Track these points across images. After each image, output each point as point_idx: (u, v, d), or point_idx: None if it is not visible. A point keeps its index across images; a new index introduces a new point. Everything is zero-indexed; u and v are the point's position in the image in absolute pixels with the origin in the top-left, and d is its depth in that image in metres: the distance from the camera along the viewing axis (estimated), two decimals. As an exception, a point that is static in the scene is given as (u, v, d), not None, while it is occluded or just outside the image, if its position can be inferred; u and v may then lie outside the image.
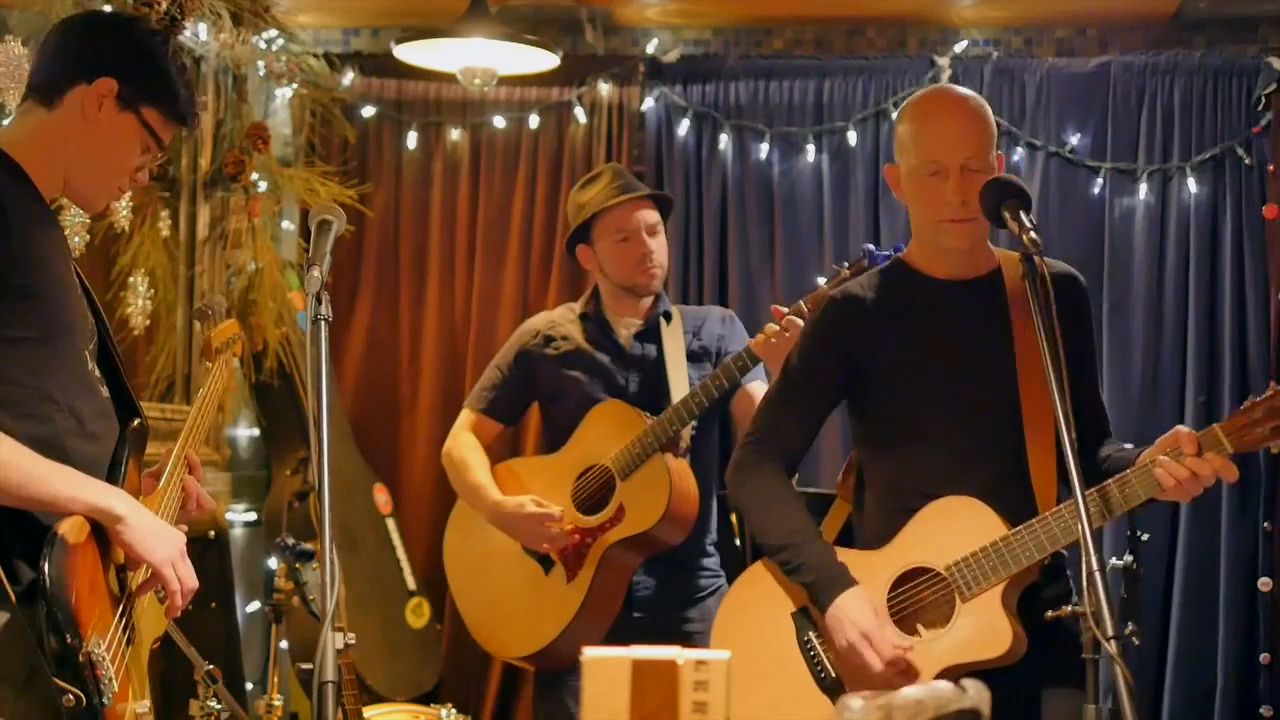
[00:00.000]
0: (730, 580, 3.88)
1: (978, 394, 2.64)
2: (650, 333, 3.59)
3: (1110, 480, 2.48)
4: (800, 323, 3.18)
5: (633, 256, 3.52)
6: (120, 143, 2.38)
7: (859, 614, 2.58)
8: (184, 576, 2.30)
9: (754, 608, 2.77)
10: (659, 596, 3.52)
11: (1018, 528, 2.52)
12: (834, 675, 2.65)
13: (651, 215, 3.56)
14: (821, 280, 3.40)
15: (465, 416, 3.69)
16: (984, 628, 2.54)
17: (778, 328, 3.24)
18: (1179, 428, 2.49)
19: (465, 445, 3.63)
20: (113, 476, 2.33)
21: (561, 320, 3.65)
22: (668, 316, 3.62)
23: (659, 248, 3.55)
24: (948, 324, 2.68)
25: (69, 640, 2.08)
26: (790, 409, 2.84)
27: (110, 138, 2.36)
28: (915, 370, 2.69)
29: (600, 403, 3.52)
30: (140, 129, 2.38)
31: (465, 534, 3.69)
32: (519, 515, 3.46)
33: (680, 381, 3.53)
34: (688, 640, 3.46)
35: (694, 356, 3.59)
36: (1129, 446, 2.68)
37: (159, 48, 2.43)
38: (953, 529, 2.58)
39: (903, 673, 2.55)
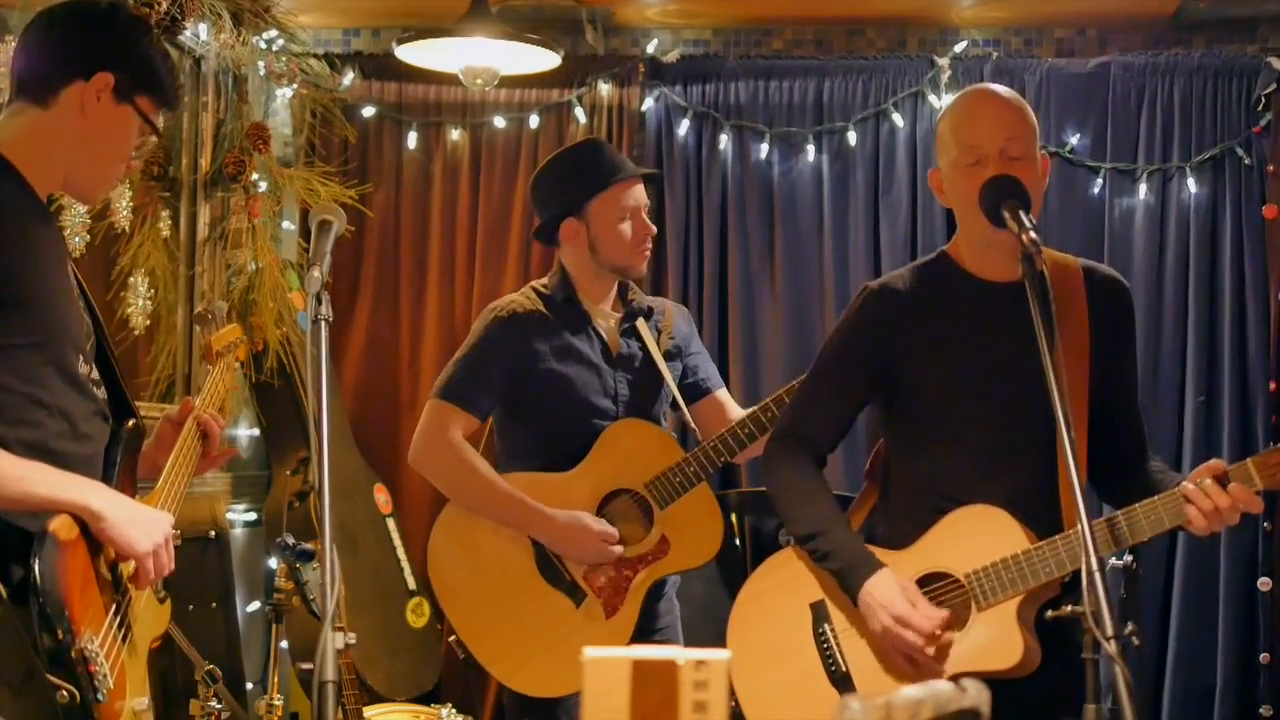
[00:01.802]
0: (724, 579, 3.85)
1: (1012, 399, 2.61)
2: (629, 329, 3.41)
3: (1138, 505, 2.46)
4: None
5: (635, 236, 3.34)
6: (120, 135, 2.38)
7: (888, 597, 2.57)
8: (160, 567, 2.30)
9: (773, 594, 2.78)
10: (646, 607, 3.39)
11: (1040, 543, 2.51)
12: (845, 669, 2.65)
13: (645, 195, 3.41)
14: None
15: (441, 412, 3.31)
16: (996, 639, 2.53)
17: None
18: (1213, 461, 2.47)
19: (461, 446, 3.30)
20: (106, 476, 2.34)
21: (537, 306, 3.35)
22: (647, 314, 3.43)
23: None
24: (987, 326, 2.64)
25: (61, 637, 2.08)
26: (821, 401, 2.82)
27: (110, 131, 2.37)
28: (950, 371, 2.67)
29: (600, 408, 3.33)
30: (136, 118, 2.39)
31: (459, 553, 3.37)
32: (580, 532, 3.23)
33: (671, 381, 3.39)
34: (660, 635, 3.36)
35: (668, 356, 3.43)
36: (1173, 474, 2.65)
37: (144, 35, 2.43)
38: (977, 537, 2.57)
39: (941, 651, 2.53)
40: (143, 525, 2.27)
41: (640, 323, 3.43)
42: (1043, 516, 2.55)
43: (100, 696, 2.11)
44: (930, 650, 2.54)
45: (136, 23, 2.46)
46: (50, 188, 2.37)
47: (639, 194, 3.38)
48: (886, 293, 2.74)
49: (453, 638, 3.43)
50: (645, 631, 3.33)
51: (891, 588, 2.58)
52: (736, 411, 3.48)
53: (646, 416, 3.39)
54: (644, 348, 3.41)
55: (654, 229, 3.41)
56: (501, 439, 3.47)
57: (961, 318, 2.68)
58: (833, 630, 2.68)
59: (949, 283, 2.71)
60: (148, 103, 2.40)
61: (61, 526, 2.15)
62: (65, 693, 2.07)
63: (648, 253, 3.39)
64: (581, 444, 3.32)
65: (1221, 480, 2.41)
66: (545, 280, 3.44)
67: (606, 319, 3.41)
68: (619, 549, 3.26)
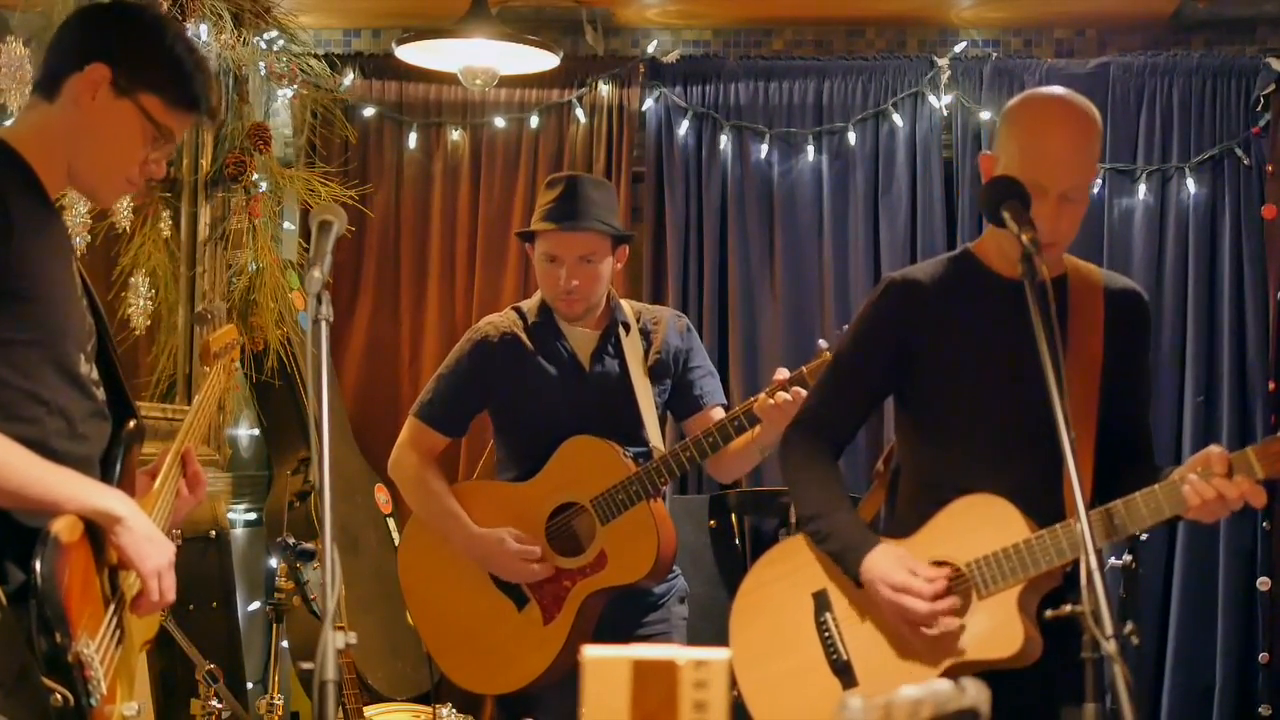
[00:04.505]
0: (724, 579, 3.85)
1: (1023, 396, 2.58)
2: (607, 347, 3.45)
3: (1137, 494, 2.45)
4: (804, 393, 3.07)
5: (552, 281, 3.38)
6: (119, 132, 2.30)
7: (885, 569, 2.57)
8: (165, 589, 2.28)
9: (776, 584, 2.78)
10: (618, 611, 3.41)
11: (1040, 531, 2.51)
12: (846, 658, 2.66)
13: (588, 245, 3.37)
14: (823, 343, 3.25)
15: (411, 428, 3.51)
16: (996, 628, 2.54)
17: (788, 396, 3.12)
18: (1211, 447, 2.45)
19: (418, 463, 3.47)
20: (106, 476, 2.32)
21: (514, 328, 3.45)
22: (626, 328, 3.46)
23: (587, 278, 3.36)
24: (1004, 323, 2.62)
25: (58, 640, 2.06)
26: (840, 392, 2.82)
27: (107, 127, 2.29)
28: (964, 365, 2.67)
29: (567, 425, 3.37)
30: (140, 117, 2.31)
31: (421, 556, 3.53)
32: (499, 551, 3.35)
33: (648, 401, 3.41)
34: (648, 639, 3.38)
35: (654, 374, 3.46)
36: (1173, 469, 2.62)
37: (159, 32, 2.35)
38: (977, 527, 2.58)
39: (947, 617, 2.53)
40: (156, 543, 2.26)
41: (625, 336, 3.45)
42: (1048, 510, 2.54)
43: (93, 701, 2.09)
44: (936, 611, 2.53)
45: (154, 20, 2.38)
46: (57, 183, 2.32)
47: (554, 245, 3.37)
48: (909, 283, 2.74)
49: None
50: (598, 636, 3.36)
51: (888, 560, 2.59)
52: None
53: (619, 431, 3.39)
54: (623, 365, 3.43)
55: (572, 282, 3.36)
56: (495, 444, 3.60)
57: (980, 311, 2.69)
58: (834, 619, 2.69)
59: (970, 277, 2.72)
60: (155, 102, 2.31)
61: (64, 528, 2.13)
62: (59, 696, 2.05)
63: (573, 301, 3.38)
64: (549, 457, 3.42)
65: (1228, 474, 2.40)
66: (530, 299, 3.52)
67: (583, 337, 3.45)
68: (536, 568, 3.34)
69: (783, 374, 3.20)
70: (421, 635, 3.54)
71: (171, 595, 2.31)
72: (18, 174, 2.25)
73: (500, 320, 3.49)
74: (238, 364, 2.93)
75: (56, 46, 2.35)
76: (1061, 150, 2.57)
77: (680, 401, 3.50)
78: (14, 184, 2.23)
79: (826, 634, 2.69)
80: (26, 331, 2.20)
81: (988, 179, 2.67)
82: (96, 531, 2.20)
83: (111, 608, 2.25)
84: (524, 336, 3.44)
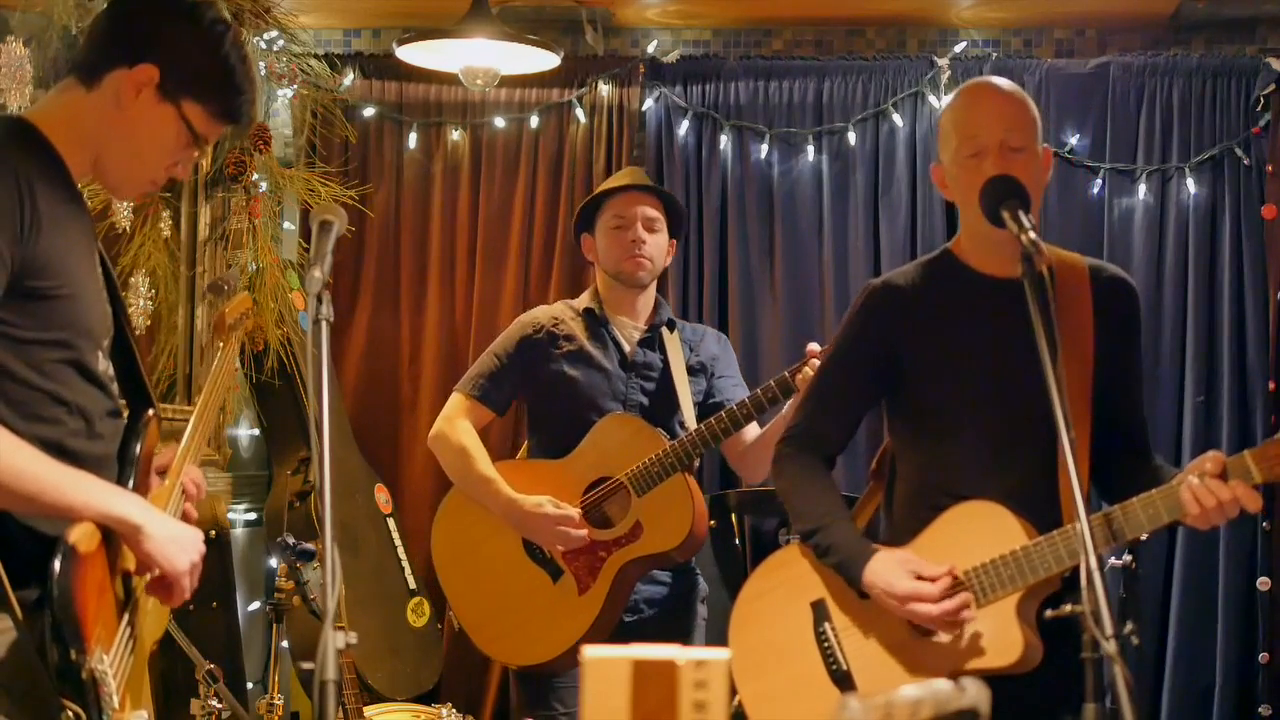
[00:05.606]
0: (724, 579, 3.88)
1: (1014, 396, 2.60)
2: (653, 340, 3.60)
3: (1135, 500, 2.45)
4: None
5: (623, 242, 3.57)
6: (155, 134, 2.26)
7: (889, 579, 2.57)
8: (193, 585, 2.27)
9: (774, 594, 2.78)
10: (657, 602, 3.53)
11: (1038, 539, 2.51)
12: (845, 668, 2.66)
13: (653, 210, 3.62)
14: None
15: (458, 402, 3.62)
16: (996, 636, 2.54)
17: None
18: (1209, 452, 2.46)
19: (464, 432, 3.57)
20: (123, 474, 2.29)
21: (564, 316, 3.63)
22: (671, 325, 3.63)
23: (653, 242, 3.60)
24: (990, 322, 2.64)
25: (73, 656, 2.03)
26: (828, 402, 2.83)
27: (144, 128, 2.25)
28: (952, 367, 2.67)
29: (610, 412, 3.50)
30: (179, 123, 2.27)
31: (457, 530, 3.63)
32: (537, 515, 3.43)
33: (686, 394, 3.53)
34: (688, 639, 3.47)
35: (691, 371, 3.60)
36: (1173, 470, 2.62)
37: (217, 40, 2.28)
38: (975, 534, 2.57)
39: (963, 606, 2.53)
40: (181, 542, 2.23)
41: (667, 335, 3.60)
42: (1044, 511, 2.54)
43: (106, 717, 2.06)
44: (946, 611, 2.53)
45: (212, 25, 2.29)
46: (81, 171, 2.27)
47: (640, 207, 3.61)
48: (889, 289, 2.75)
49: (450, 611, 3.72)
50: (627, 612, 3.51)
51: (890, 567, 2.59)
52: (753, 434, 3.60)
53: (657, 419, 3.52)
54: (666, 359, 3.57)
55: (642, 238, 3.58)
56: (530, 436, 3.73)
57: (964, 312, 2.68)
58: (833, 629, 2.69)
59: (952, 278, 2.71)
60: (197, 110, 2.27)
61: (82, 538, 2.09)
62: (71, 714, 2.02)
63: (641, 259, 3.59)
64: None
65: (1222, 476, 2.40)
66: (581, 296, 3.73)
67: (629, 329, 3.62)
68: (581, 533, 3.43)
69: (814, 348, 3.35)
70: (454, 609, 3.67)
71: (196, 585, 2.29)
72: (45, 162, 2.20)
73: (550, 308, 3.71)
74: (242, 345, 2.89)
75: (107, 33, 2.28)
76: (987, 104, 2.64)
77: (708, 405, 3.61)
78: (42, 174, 2.17)
79: (825, 644, 2.68)
80: (49, 331, 2.16)
81: (942, 188, 2.69)
82: (113, 537, 2.17)
83: (126, 615, 2.22)
84: (575, 325, 3.61)
